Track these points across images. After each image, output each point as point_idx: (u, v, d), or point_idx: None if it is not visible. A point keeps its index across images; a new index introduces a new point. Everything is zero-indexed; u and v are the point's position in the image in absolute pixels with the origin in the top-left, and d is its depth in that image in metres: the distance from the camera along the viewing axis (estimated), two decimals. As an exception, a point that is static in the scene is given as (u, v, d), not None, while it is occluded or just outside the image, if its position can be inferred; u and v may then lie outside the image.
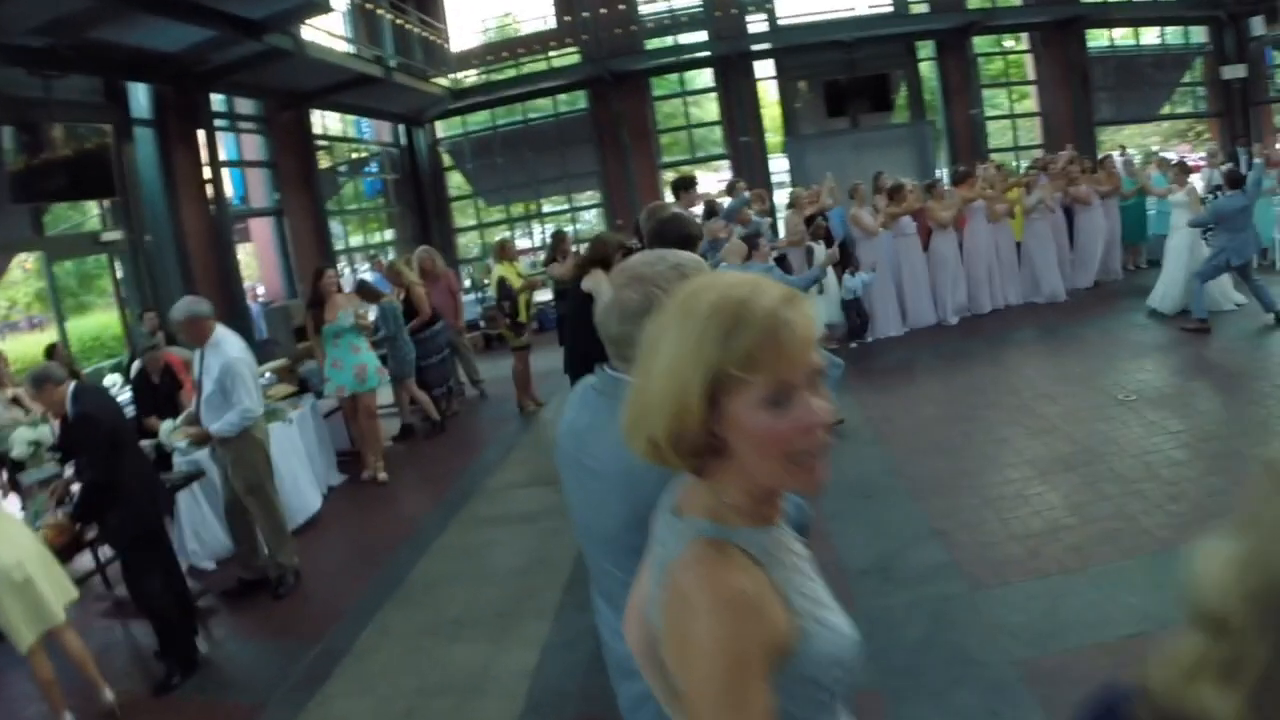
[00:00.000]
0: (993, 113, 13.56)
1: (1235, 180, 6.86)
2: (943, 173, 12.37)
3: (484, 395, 7.99)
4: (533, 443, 6.39)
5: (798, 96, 12.58)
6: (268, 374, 6.33)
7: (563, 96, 12.79)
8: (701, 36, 12.48)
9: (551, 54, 12.60)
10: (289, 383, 6.55)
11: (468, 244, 13.26)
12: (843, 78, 12.40)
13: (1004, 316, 8.27)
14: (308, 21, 8.20)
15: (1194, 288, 6.90)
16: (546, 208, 13.18)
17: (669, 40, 12.53)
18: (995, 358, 6.85)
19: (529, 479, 5.61)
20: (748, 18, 12.39)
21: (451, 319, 7.53)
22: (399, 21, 11.03)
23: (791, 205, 8.43)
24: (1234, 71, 13.92)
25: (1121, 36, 14.10)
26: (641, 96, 12.44)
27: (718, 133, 12.70)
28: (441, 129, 13.02)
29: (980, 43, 13.34)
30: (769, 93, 12.96)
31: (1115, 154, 11.45)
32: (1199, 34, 14.32)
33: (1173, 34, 14.38)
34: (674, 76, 12.80)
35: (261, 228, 9.81)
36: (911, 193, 8.33)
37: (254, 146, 9.56)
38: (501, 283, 7.06)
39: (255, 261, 10.10)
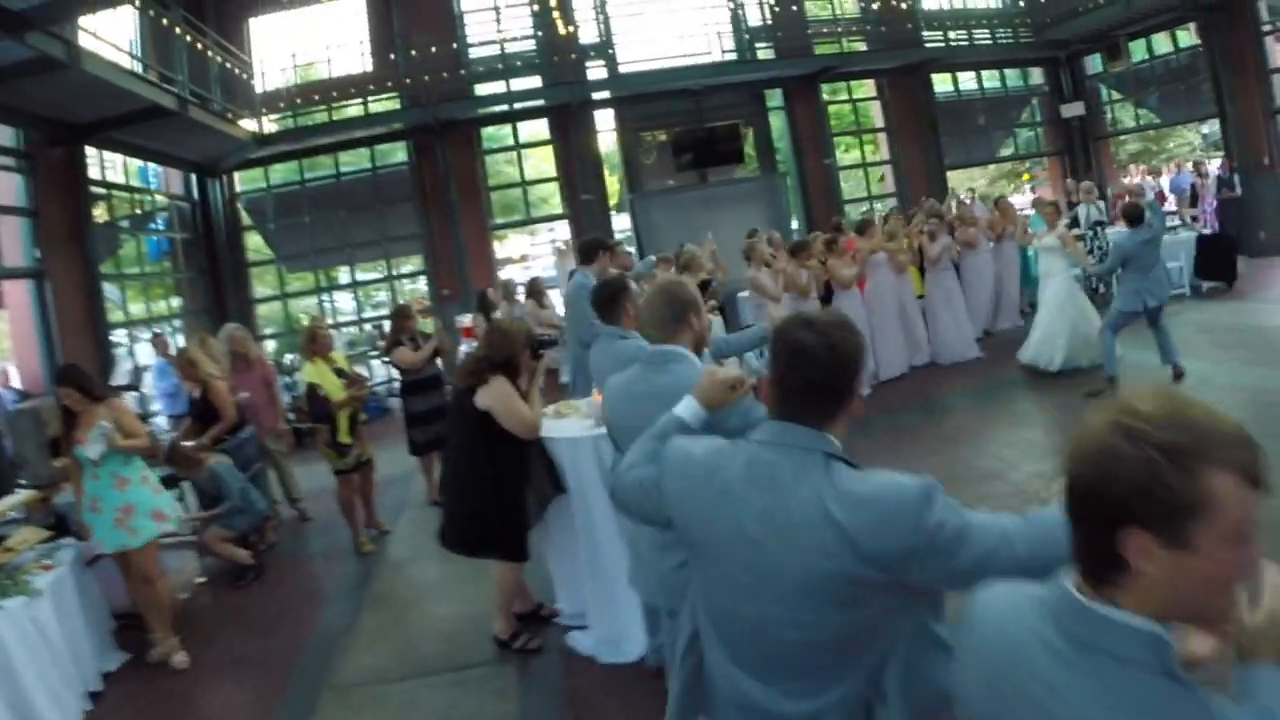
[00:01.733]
0: (844, 162, 14.35)
1: (1134, 216, 6.82)
2: (796, 225, 12.92)
3: (305, 517, 6.89)
4: (389, 597, 5.15)
5: (642, 149, 12.85)
6: (9, 513, 4.92)
7: (381, 148, 12.49)
8: (536, 82, 12.59)
9: (370, 99, 12.27)
10: (41, 520, 5.00)
11: (269, 315, 12.64)
12: (690, 129, 12.80)
13: (919, 381, 8.34)
14: (87, 27, 7.32)
15: (1105, 341, 6.84)
16: (361, 275, 12.76)
17: (501, 86, 12.46)
18: (933, 434, 6.73)
19: (400, 663, 4.27)
20: (587, 64, 12.54)
21: (268, 420, 6.56)
22: (198, 45, 10.09)
23: (685, 268, 7.81)
24: (1072, 110, 15.62)
25: (964, 80, 15.43)
26: (470, 149, 12.37)
27: (555, 190, 12.73)
28: (241, 181, 12.39)
29: (829, 90, 14.09)
30: (610, 145, 13.15)
31: (964, 196, 12.40)
32: (1037, 75, 16.04)
33: (1012, 75, 16.00)
34: (506, 128, 12.75)
35: (17, 293, 8.50)
36: (813, 244, 8.37)
37: (10, 189, 8.29)
38: (313, 392, 5.71)
39: (5, 337, 8.99)
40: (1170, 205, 13.92)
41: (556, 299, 9.92)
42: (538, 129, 12.86)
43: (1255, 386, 6.33)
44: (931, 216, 9.50)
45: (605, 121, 12.97)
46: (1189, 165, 16.77)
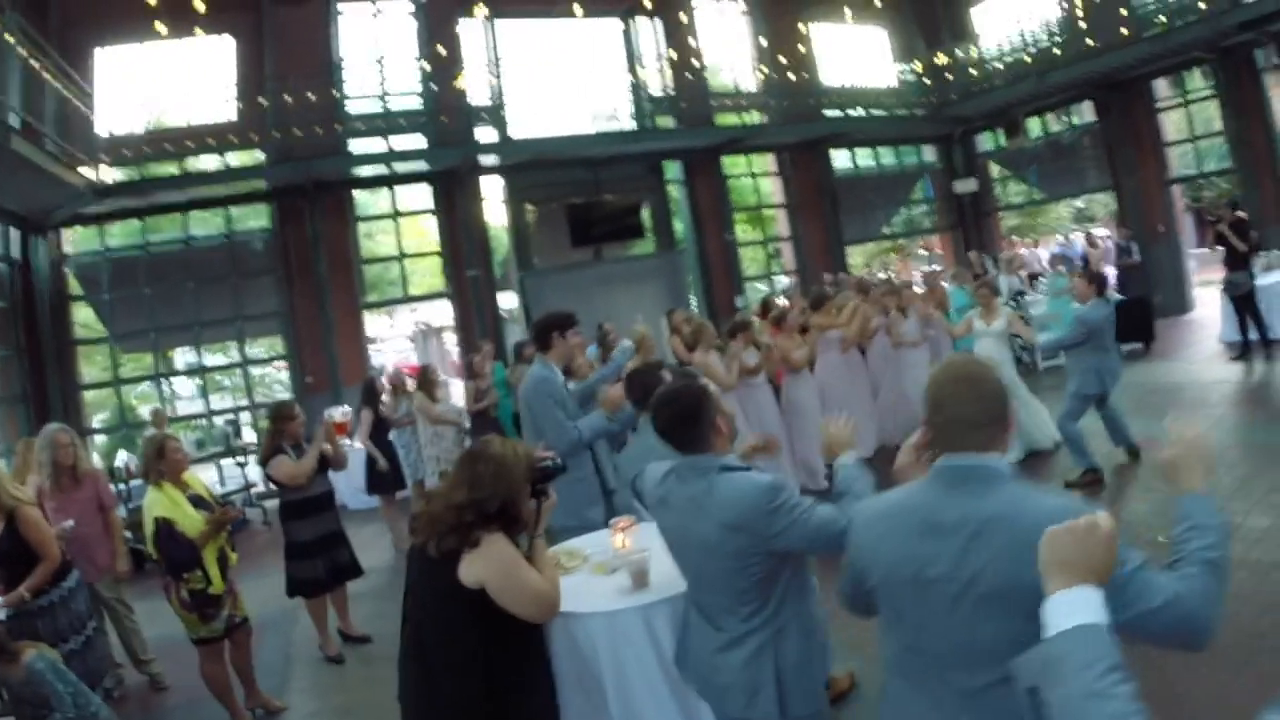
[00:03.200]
0: (742, 239, 14.91)
1: (1101, 283, 6.78)
2: (694, 303, 13.25)
3: (160, 685, 5.56)
4: None
5: (533, 223, 12.96)
6: None
7: (241, 210, 12.04)
8: (420, 142, 12.56)
9: (231, 151, 11.83)
10: None
11: (98, 401, 11.89)
12: (587, 201, 13.11)
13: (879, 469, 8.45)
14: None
15: (1069, 434, 6.70)
16: (210, 358, 12.19)
17: (381, 146, 12.38)
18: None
19: None
20: (476, 127, 12.64)
21: (103, 558, 5.36)
22: (35, 64, 9.33)
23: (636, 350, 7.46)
24: (965, 185, 17.04)
25: (860, 157, 16.74)
26: (343, 216, 12.10)
27: (436, 265, 12.63)
28: (72, 241, 11.60)
29: (729, 164, 14.67)
30: (499, 218, 13.21)
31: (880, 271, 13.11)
32: (930, 152, 17.51)
33: (907, 152, 17.41)
34: (384, 193, 12.62)
35: None
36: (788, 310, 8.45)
37: None
38: (167, 531, 4.43)
39: None
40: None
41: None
42: (419, 197, 12.78)
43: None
44: (888, 294, 9.53)
45: (494, 191, 13.00)
46: (1079, 236, 18.39)
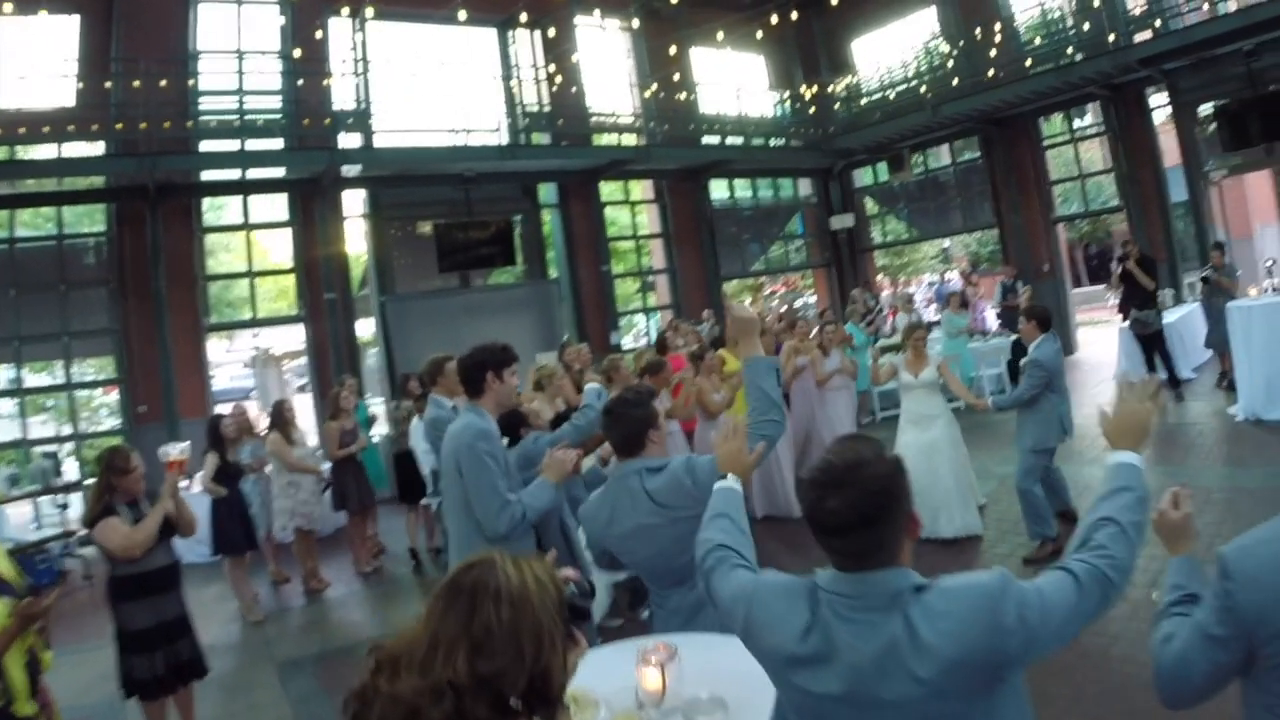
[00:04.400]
0: (617, 269, 15.50)
1: (1044, 319, 6.76)
2: (568, 337, 13.72)
3: None
4: None
5: (398, 242, 13.12)
6: None
7: (75, 210, 11.96)
8: (278, 147, 12.68)
9: (67, 141, 11.36)
10: None
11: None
12: (457, 222, 13.64)
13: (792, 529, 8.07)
14: None
15: (1029, 496, 6.58)
16: (32, 379, 11.88)
17: (235, 148, 12.36)
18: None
19: None
20: (341, 134, 13.00)
21: None
22: None
23: (537, 386, 7.20)
24: (842, 221, 18.85)
25: (738, 189, 18.18)
26: (189, 224, 12.20)
27: (290, 284, 12.60)
28: None
29: (608, 190, 15.23)
30: (361, 235, 13.37)
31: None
32: (806, 186, 19.21)
33: (784, 186, 19.05)
34: (236, 201, 12.77)
35: None
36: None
37: None
38: None
39: None
40: (932, 315, 16.58)
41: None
42: (274, 208, 13.10)
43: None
44: (791, 326, 9.90)
45: (356, 206, 13.48)
46: (954, 274, 19.98)
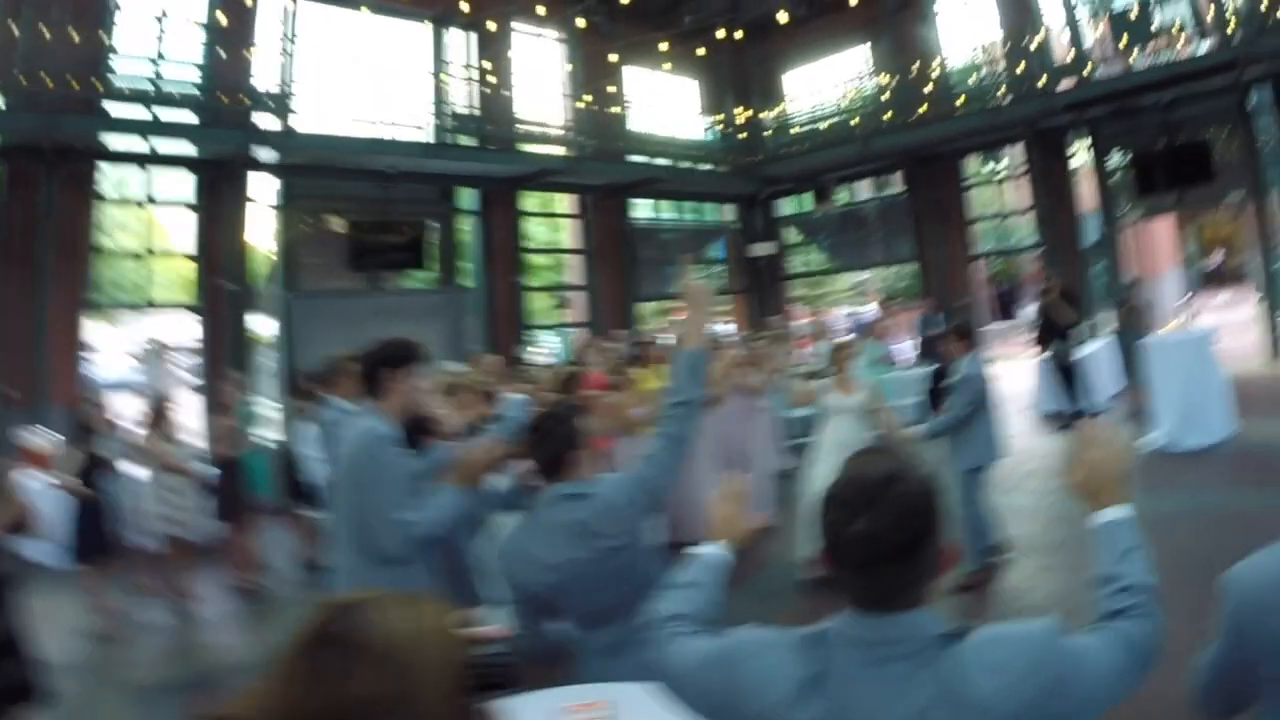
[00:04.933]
0: (533, 283, 15.52)
1: (972, 335, 6.96)
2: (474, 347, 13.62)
3: None
4: None
5: (308, 236, 12.80)
6: None
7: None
8: (190, 118, 12.36)
9: None
10: None
11: None
12: (372, 220, 13.61)
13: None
14: None
15: (967, 517, 6.66)
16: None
17: (145, 114, 11.95)
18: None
19: None
20: (257, 114, 12.81)
21: None
22: None
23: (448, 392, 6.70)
24: (763, 249, 19.50)
25: (662, 209, 18.75)
26: (84, 193, 11.70)
27: (187, 270, 12.14)
28: None
29: (530, 202, 15.22)
30: (269, 225, 13.12)
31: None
32: (729, 211, 19.80)
33: (708, 210, 19.67)
34: (140, 174, 12.30)
35: None
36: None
37: None
38: None
39: None
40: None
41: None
42: (179, 186, 12.68)
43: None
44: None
45: (267, 194, 13.28)
46: (872, 306, 20.69)
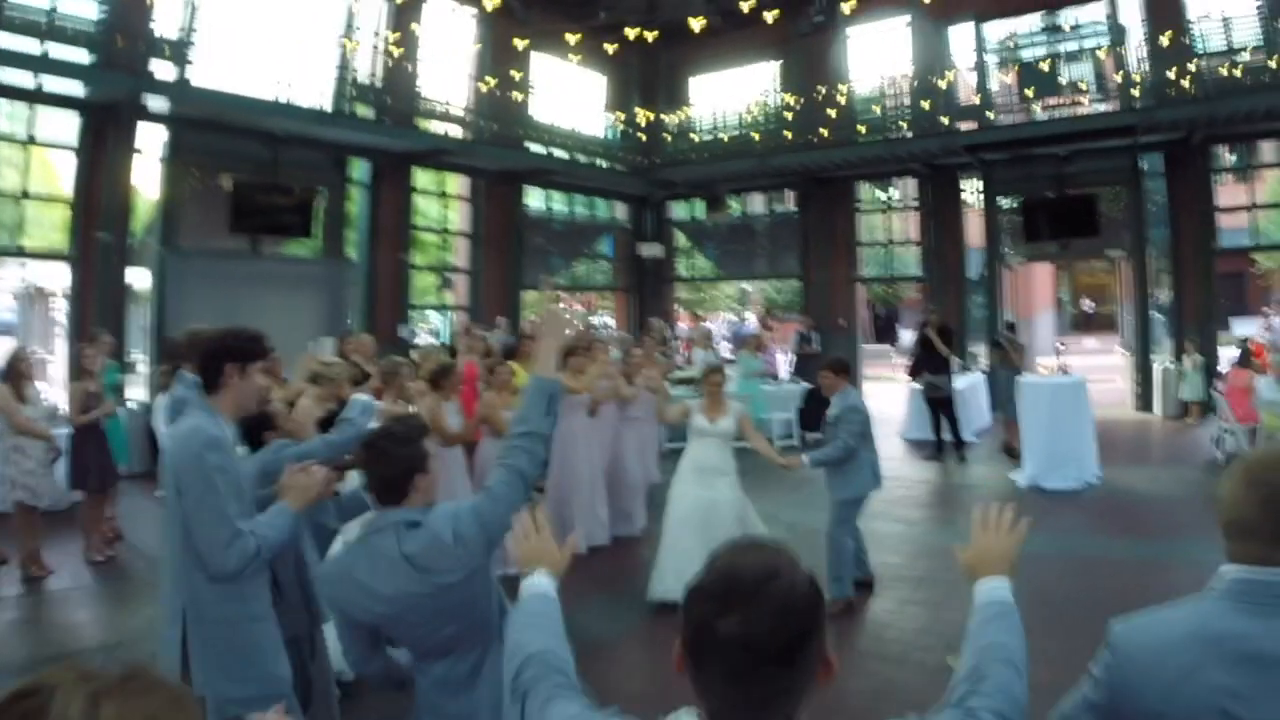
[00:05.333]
0: (419, 261, 15.86)
1: (846, 369, 7.39)
2: (351, 324, 13.87)
3: None
4: None
5: (192, 192, 12.85)
6: None
7: None
8: (83, 57, 12.20)
9: None
10: None
11: None
12: (260, 182, 13.85)
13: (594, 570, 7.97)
14: None
15: (841, 549, 6.94)
16: None
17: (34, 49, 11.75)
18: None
19: None
20: (152, 62, 12.75)
21: None
22: None
23: (313, 380, 6.74)
24: (652, 249, 20.51)
25: (555, 200, 19.41)
26: None
27: (63, 216, 11.98)
28: None
29: (423, 180, 15.50)
30: (154, 178, 13.19)
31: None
32: (622, 209, 20.72)
33: (600, 206, 20.50)
34: (22, 110, 12.12)
35: None
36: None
37: None
38: None
39: None
40: (726, 354, 18.77)
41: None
42: (63, 127, 12.56)
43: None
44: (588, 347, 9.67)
45: (154, 144, 13.18)
46: (751, 316, 21.68)
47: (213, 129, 13.32)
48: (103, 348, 8.78)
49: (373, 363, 8.66)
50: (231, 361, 3.35)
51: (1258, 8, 14.67)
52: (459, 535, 2.76)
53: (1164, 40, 14.74)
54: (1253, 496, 1.79)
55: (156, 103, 12.63)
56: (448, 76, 16.95)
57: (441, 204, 17.50)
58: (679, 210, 21.34)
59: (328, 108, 14.75)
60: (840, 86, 17.74)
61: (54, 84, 12.00)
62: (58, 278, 12.42)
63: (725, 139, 19.19)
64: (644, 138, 19.52)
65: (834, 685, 1.42)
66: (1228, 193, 16.68)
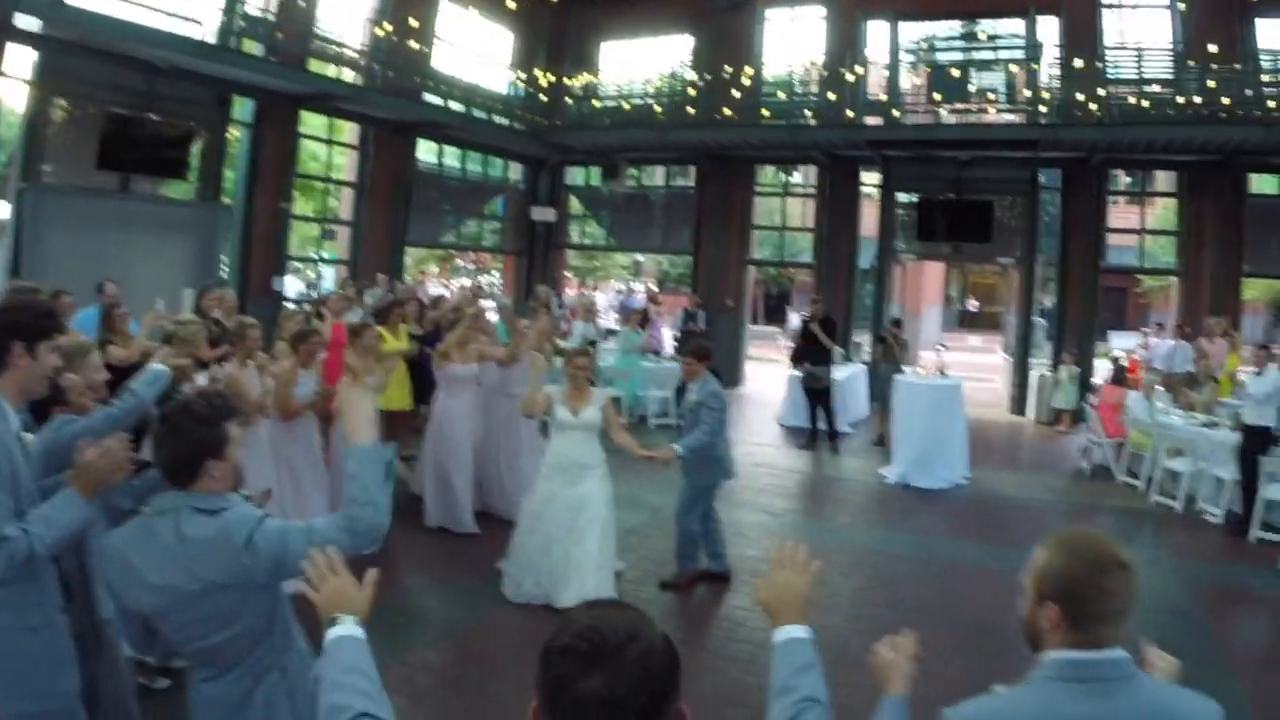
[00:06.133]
0: (301, 210, 15.67)
1: (709, 357, 7.54)
2: (226, 273, 13.67)
3: None
4: None
5: (59, 123, 12.38)
6: None
7: None
8: None
9: None
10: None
11: None
12: (131, 115, 13.23)
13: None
14: None
15: (688, 532, 7.41)
16: None
17: None
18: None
19: None
20: None
21: None
22: None
23: (167, 340, 6.65)
24: (544, 214, 20.72)
25: (448, 155, 19.39)
26: None
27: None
28: None
29: (312, 123, 15.26)
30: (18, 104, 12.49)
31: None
32: (517, 170, 20.83)
33: (495, 165, 20.49)
34: None
35: None
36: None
37: None
38: None
39: None
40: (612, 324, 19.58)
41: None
42: None
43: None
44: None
45: (20, 68, 12.55)
46: (640, 290, 22.16)
47: (87, 54, 12.75)
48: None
49: (231, 318, 8.35)
50: (17, 339, 3.12)
51: (1171, 44, 15.85)
52: (253, 543, 2.60)
53: (1078, 63, 15.69)
54: (1078, 567, 1.97)
55: (26, 21, 12.01)
56: (345, 17, 16.52)
57: (329, 150, 17.17)
58: (576, 176, 21.47)
59: (213, 40, 14.19)
60: (747, 69, 18.05)
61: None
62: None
63: (628, 108, 19.38)
64: (545, 99, 19.52)
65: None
66: (1120, 214, 18.06)
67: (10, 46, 12.21)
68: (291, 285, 17.75)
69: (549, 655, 1.47)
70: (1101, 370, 16.71)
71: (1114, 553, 1.98)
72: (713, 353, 7.71)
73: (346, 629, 2.10)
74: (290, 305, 14.39)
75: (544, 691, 1.46)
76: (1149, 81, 15.91)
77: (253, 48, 14.92)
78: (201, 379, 6.45)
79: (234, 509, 2.70)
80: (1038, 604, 2.01)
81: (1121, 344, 20.65)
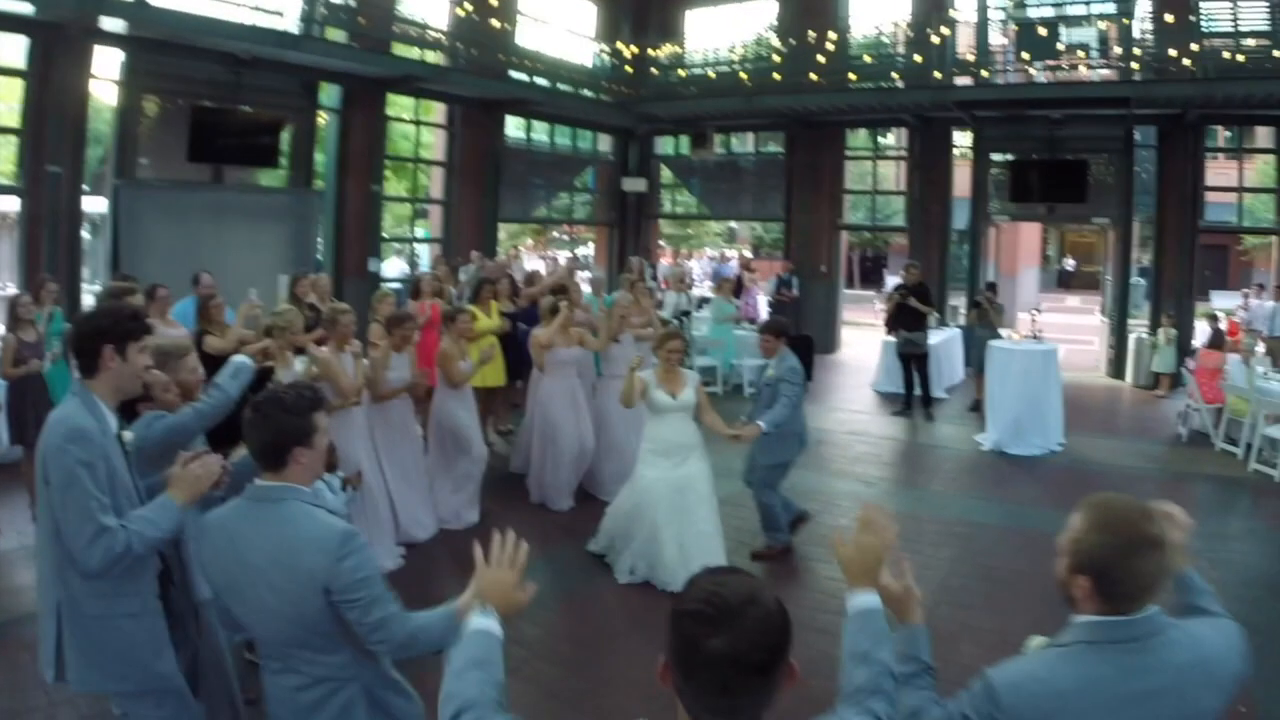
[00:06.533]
0: (392, 191, 15.82)
1: (786, 333, 7.66)
2: (321, 260, 13.92)
3: None
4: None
5: (151, 118, 12.75)
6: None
7: None
8: None
9: None
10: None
11: None
12: (223, 107, 13.48)
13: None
14: None
15: (768, 505, 7.50)
16: None
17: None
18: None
19: None
20: None
21: None
22: None
23: (267, 333, 6.82)
24: (635, 185, 20.56)
25: (536, 130, 19.25)
26: None
27: (11, 147, 11.89)
28: None
29: (397, 106, 15.39)
30: (109, 103, 13.00)
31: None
32: (606, 142, 20.68)
33: (583, 137, 20.35)
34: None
35: None
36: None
37: None
38: None
39: None
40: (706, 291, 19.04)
41: None
42: (10, 50, 12.33)
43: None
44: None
45: (109, 68, 12.87)
46: (733, 258, 21.81)
47: (172, 51, 12.95)
48: (47, 296, 8.64)
49: (329, 302, 8.60)
50: (108, 343, 3.30)
51: (1267, -5, 14.87)
52: (347, 559, 2.71)
53: (1170, 17, 14.75)
54: (1110, 546, 2.04)
55: (111, 23, 12.24)
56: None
57: (416, 131, 17.19)
58: (665, 146, 21.22)
59: (295, 29, 14.24)
60: (831, 33, 17.43)
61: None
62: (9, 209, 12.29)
63: (714, 76, 18.98)
64: (631, 70, 19.28)
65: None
66: (1218, 171, 16.92)
67: (99, 49, 12.55)
68: (394, 266, 17.96)
69: (678, 618, 1.65)
70: (1201, 332, 15.88)
71: (1146, 530, 2.04)
72: (789, 328, 7.78)
73: (488, 623, 2.18)
74: (387, 287, 14.52)
75: (674, 650, 1.66)
76: (1245, 34, 14.88)
77: (336, 35, 14.99)
78: (299, 364, 6.70)
79: (338, 526, 2.81)
80: (1071, 572, 2.10)
81: (1223, 304, 19.81)
